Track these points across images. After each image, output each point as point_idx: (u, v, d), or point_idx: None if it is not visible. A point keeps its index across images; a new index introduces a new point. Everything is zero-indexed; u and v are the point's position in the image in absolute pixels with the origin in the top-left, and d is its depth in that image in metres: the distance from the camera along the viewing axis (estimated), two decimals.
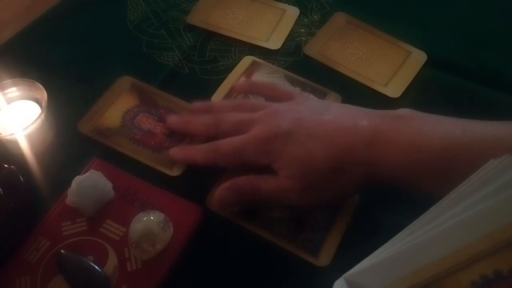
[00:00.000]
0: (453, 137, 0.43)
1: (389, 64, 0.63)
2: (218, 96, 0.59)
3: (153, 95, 0.59)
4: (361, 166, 0.46)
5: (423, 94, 0.60)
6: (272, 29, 0.65)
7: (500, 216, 0.27)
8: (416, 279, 0.27)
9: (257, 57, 0.63)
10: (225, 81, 0.60)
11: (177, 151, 0.53)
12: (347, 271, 0.30)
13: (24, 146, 0.52)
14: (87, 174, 0.49)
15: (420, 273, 0.27)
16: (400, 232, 0.30)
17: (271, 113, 0.50)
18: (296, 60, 0.63)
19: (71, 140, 0.55)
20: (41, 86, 0.53)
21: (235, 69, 0.62)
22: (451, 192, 0.29)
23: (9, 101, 0.54)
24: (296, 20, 0.67)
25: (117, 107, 0.58)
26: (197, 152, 0.52)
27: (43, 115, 0.52)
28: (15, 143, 0.52)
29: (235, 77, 0.61)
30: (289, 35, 0.65)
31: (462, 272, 0.26)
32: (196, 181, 0.53)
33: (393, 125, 0.45)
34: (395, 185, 0.45)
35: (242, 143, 0.49)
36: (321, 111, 0.49)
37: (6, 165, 0.48)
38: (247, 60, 0.63)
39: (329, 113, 0.49)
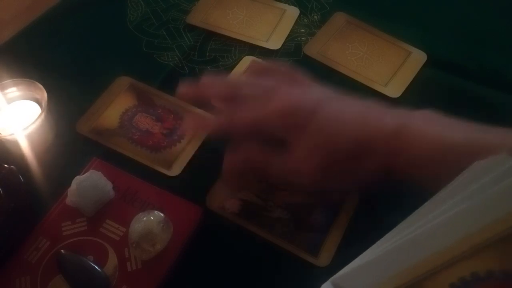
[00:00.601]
0: (474, 137, 0.42)
1: (389, 64, 0.63)
2: None
3: (151, 95, 0.59)
4: (382, 156, 0.44)
5: (423, 94, 0.60)
6: (272, 29, 0.65)
7: (479, 217, 0.26)
8: (399, 281, 0.27)
9: (257, 57, 0.63)
10: None
11: (186, 88, 0.51)
12: None
13: (24, 146, 0.52)
14: (87, 174, 0.49)
15: (402, 275, 0.27)
16: (386, 234, 0.30)
17: (297, 88, 0.48)
18: (296, 60, 0.63)
19: (71, 140, 0.55)
20: (41, 86, 0.53)
21: (235, 69, 0.62)
22: (437, 193, 0.29)
23: (9, 101, 0.54)
24: (296, 20, 0.67)
25: (115, 107, 0.58)
26: (211, 120, 0.50)
27: (43, 115, 0.52)
28: (15, 143, 0.52)
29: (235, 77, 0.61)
30: (289, 35, 0.65)
31: (441, 274, 0.26)
32: (196, 181, 0.53)
33: (419, 120, 0.44)
34: (411, 181, 0.44)
35: (264, 113, 0.46)
36: (347, 97, 0.47)
37: (6, 165, 0.48)
38: (247, 60, 0.63)
39: (356, 101, 0.47)
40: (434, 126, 0.44)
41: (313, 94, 0.47)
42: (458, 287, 0.26)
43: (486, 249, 0.26)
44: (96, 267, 0.45)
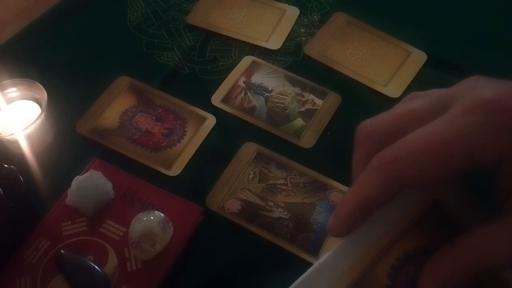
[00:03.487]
0: None
1: (389, 64, 0.63)
2: (218, 96, 0.59)
3: (151, 95, 0.59)
4: None
5: None
6: (272, 29, 0.65)
7: (403, 204, 0.31)
8: (348, 279, 0.31)
9: (257, 57, 0.63)
10: (225, 81, 0.60)
11: (336, 215, 0.31)
12: None
13: (24, 146, 0.52)
14: (87, 174, 0.49)
15: (350, 272, 0.31)
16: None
17: (475, 81, 0.31)
18: (296, 60, 0.63)
19: (71, 140, 0.55)
20: (41, 86, 0.53)
21: (235, 69, 0.62)
22: None
23: (9, 101, 0.54)
24: (296, 20, 0.67)
25: (115, 107, 0.58)
26: (362, 185, 0.30)
27: (43, 115, 0.52)
28: (15, 143, 0.52)
29: (235, 77, 0.61)
30: (289, 35, 0.65)
31: (382, 259, 0.31)
32: (196, 181, 0.53)
33: None
34: None
35: (448, 125, 0.29)
36: None
37: (6, 165, 0.48)
38: (247, 60, 0.63)
39: None
40: None
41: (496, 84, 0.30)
42: (396, 267, 0.31)
43: (409, 232, 0.31)
44: (96, 267, 0.45)
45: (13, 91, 0.54)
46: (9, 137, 0.51)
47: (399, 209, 0.32)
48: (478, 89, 0.30)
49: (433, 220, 0.32)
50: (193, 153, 0.55)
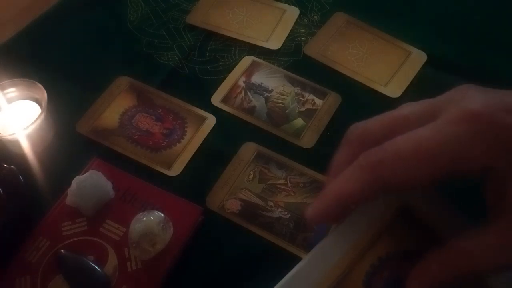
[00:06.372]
0: None
1: (389, 64, 0.63)
2: (218, 96, 0.59)
3: (151, 94, 0.59)
4: None
5: (423, 94, 0.60)
6: (272, 29, 0.65)
7: (373, 210, 0.32)
8: (327, 282, 0.31)
9: (257, 57, 0.63)
10: (225, 81, 0.60)
11: (316, 205, 0.32)
12: None
13: (24, 146, 0.52)
14: (87, 174, 0.49)
15: (327, 277, 0.31)
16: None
17: (466, 90, 0.32)
18: (296, 60, 0.63)
19: (71, 140, 0.55)
20: (41, 86, 0.53)
21: (235, 69, 0.62)
22: None
23: (9, 101, 0.55)
24: (296, 20, 0.67)
25: (115, 107, 0.58)
26: (346, 180, 0.31)
27: (43, 115, 0.52)
28: (15, 143, 0.52)
29: (235, 77, 0.61)
30: (289, 35, 0.65)
31: (356, 266, 0.31)
32: (196, 181, 0.53)
33: None
34: None
35: (434, 132, 0.29)
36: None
37: (6, 165, 0.48)
38: (247, 60, 0.63)
39: None
40: None
41: (487, 93, 0.32)
42: (370, 273, 0.31)
43: (382, 237, 0.32)
44: (96, 267, 0.45)
45: (13, 91, 0.54)
46: (9, 137, 0.51)
47: (371, 215, 0.32)
48: (466, 99, 0.31)
49: (404, 224, 0.32)
50: (193, 153, 0.55)
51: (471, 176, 0.29)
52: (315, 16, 0.68)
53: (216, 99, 0.59)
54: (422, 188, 0.32)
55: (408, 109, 0.33)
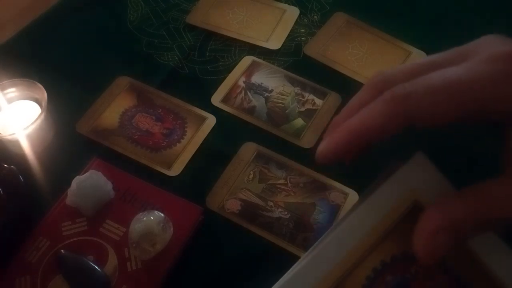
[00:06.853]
0: None
1: (389, 64, 0.63)
2: (218, 96, 0.59)
3: (151, 94, 0.59)
4: None
5: None
6: (272, 29, 0.65)
7: (374, 215, 0.31)
8: (325, 285, 0.30)
9: (257, 57, 0.63)
10: (225, 81, 0.60)
11: (329, 140, 0.31)
12: None
13: (24, 146, 0.52)
14: (87, 174, 0.49)
15: (326, 280, 0.30)
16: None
17: (494, 37, 0.33)
18: (296, 60, 0.63)
19: (71, 140, 0.55)
20: (41, 86, 0.53)
21: (235, 69, 0.62)
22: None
23: (9, 101, 0.55)
24: (296, 20, 0.67)
25: (115, 107, 0.58)
26: (367, 114, 0.30)
27: (43, 115, 0.52)
28: (15, 143, 0.52)
29: (235, 77, 0.61)
30: (289, 35, 0.65)
31: (357, 269, 0.30)
32: (196, 181, 0.53)
33: None
34: None
35: (468, 70, 0.29)
36: None
37: (6, 165, 0.48)
38: (247, 60, 0.63)
39: None
40: None
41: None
42: (372, 278, 0.30)
43: (385, 240, 0.31)
44: (96, 267, 0.45)
45: (13, 91, 0.54)
46: (9, 137, 0.51)
47: (379, 212, 0.31)
48: (499, 43, 0.31)
49: (413, 224, 0.30)
50: (193, 153, 0.55)
51: (496, 117, 0.29)
52: (315, 16, 0.68)
53: (216, 99, 0.59)
54: (444, 126, 0.30)
55: (434, 56, 0.33)
